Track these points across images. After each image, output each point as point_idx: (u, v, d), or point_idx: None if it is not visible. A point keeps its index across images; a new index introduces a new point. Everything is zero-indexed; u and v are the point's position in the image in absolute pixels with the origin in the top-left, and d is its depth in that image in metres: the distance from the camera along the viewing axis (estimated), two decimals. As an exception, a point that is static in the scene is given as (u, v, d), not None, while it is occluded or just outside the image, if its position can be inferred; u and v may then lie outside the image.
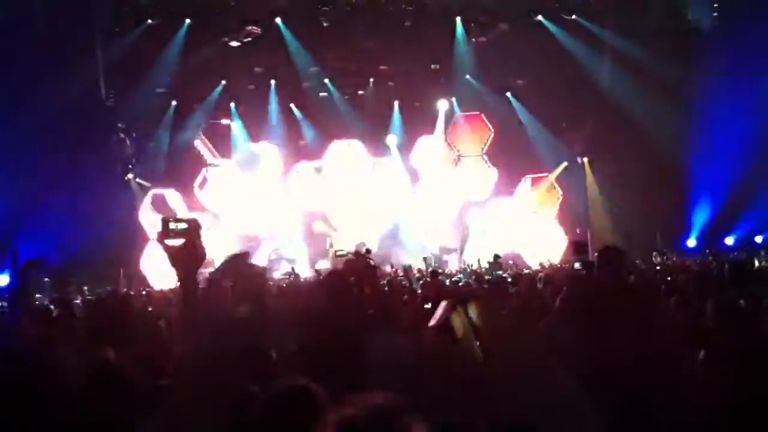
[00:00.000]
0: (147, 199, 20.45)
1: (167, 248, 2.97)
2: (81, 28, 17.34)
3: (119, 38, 18.84)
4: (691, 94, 18.01)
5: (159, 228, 2.96)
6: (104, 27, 18.36)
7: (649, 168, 18.99)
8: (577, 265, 5.40)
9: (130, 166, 20.49)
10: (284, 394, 2.51)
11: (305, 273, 18.85)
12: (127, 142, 20.20)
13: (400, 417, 1.87)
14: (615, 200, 20.36)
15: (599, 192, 21.48)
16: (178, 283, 3.11)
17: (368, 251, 12.56)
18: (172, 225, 3.01)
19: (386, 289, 8.10)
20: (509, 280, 10.24)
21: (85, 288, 15.32)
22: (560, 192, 22.06)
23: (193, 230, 3.00)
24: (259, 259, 20.66)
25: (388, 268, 17.38)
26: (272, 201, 21.71)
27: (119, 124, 19.84)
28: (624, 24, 19.46)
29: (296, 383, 2.54)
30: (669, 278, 9.15)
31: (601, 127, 20.50)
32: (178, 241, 3.00)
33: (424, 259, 19.93)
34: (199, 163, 21.40)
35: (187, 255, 2.96)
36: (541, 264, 16.49)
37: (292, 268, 19.00)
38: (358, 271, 5.14)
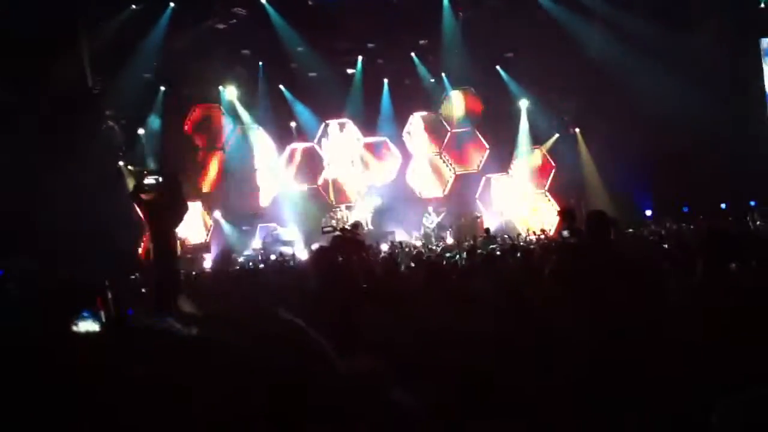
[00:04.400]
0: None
1: (140, 203, 2.95)
2: (64, 16, 17.14)
3: (103, 25, 18.65)
4: (683, 59, 17.94)
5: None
6: (87, 14, 18.14)
7: (641, 136, 18.94)
8: (565, 233, 5.37)
9: (120, 153, 20.38)
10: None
11: (302, 254, 18.93)
12: (117, 129, 20.07)
13: (382, 382, 1.88)
14: (608, 170, 20.33)
15: (592, 162, 21.47)
16: (151, 239, 3.09)
17: (355, 226, 12.49)
18: (146, 180, 3.00)
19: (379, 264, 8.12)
20: (497, 253, 10.25)
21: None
22: (553, 163, 22.06)
23: (169, 184, 2.98)
24: (254, 242, 20.73)
25: (384, 246, 17.41)
26: (266, 183, 21.73)
27: (107, 112, 19.70)
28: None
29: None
30: (664, 245, 9.16)
31: (592, 96, 20.44)
32: (152, 196, 2.98)
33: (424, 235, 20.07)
34: (191, 147, 21.37)
35: (163, 209, 2.94)
36: (533, 233, 16.52)
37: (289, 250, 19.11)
38: (345, 247, 5.13)
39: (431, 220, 20.74)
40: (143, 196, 2.93)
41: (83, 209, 16.84)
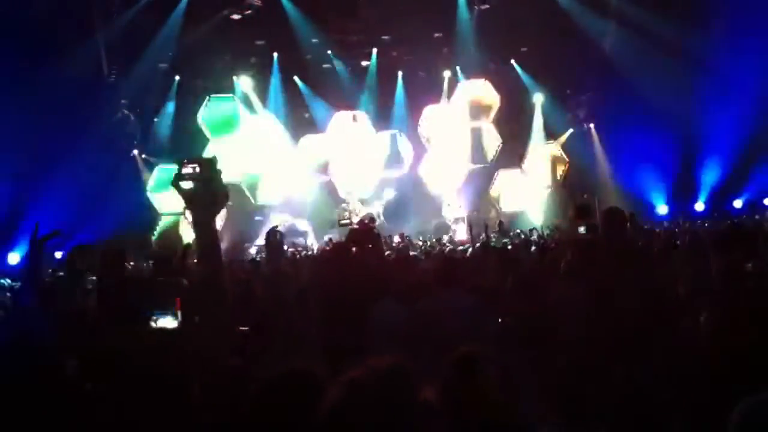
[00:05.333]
0: (154, 175, 20.50)
1: (181, 191, 2.96)
2: (81, 5, 17.23)
3: (120, 14, 18.72)
4: (697, 54, 17.81)
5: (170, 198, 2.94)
6: (104, 3, 18.21)
7: (655, 131, 18.85)
8: (581, 229, 5.35)
9: (135, 142, 20.48)
10: (283, 378, 2.48)
11: (314, 245, 18.96)
12: (131, 118, 20.16)
13: (408, 379, 1.89)
14: (621, 166, 20.26)
15: (606, 158, 21.39)
16: (192, 227, 3.09)
17: (372, 220, 12.54)
18: (185, 169, 3.00)
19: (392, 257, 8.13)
20: (509, 247, 10.23)
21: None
22: (567, 158, 21.97)
23: (208, 171, 2.97)
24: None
25: (396, 238, 17.41)
26: (279, 174, 21.75)
27: (123, 101, 19.79)
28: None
29: (296, 367, 2.51)
30: (676, 242, 9.12)
31: (606, 91, 20.35)
32: (190, 184, 2.98)
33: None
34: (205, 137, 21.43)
35: (202, 197, 2.94)
36: (546, 228, 16.46)
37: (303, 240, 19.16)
38: (361, 240, 5.15)
39: (451, 211, 20.74)
40: (182, 184, 2.96)
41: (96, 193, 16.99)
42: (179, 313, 3.69)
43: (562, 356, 4.60)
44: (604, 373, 4.43)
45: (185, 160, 3.09)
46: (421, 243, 16.60)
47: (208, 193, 3.05)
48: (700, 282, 5.43)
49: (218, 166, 3.11)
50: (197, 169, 3.07)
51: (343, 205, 21.11)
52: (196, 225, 3.08)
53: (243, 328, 4.08)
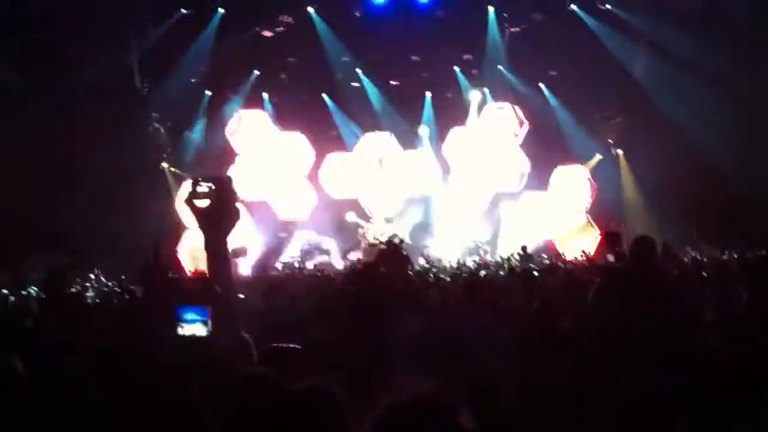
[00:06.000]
0: (183, 187, 20.67)
1: (194, 209, 2.97)
2: (116, 17, 17.52)
3: (153, 27, 19.00)
4: (732, 82, 17.67)
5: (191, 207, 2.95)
6: (139, 15, 18.49)
7: (685, 160, 18.68)
8: (610, 257, 5.32)
9: (164, 155, 20.71)
10: (302, 396, 2.48)
11: (337, 263, 18.98)
12: (162, 131, 20.40)
13: (450, 408, 1.88)
14: (650, 193, 20.08)
15: (634, 184, 21.23)
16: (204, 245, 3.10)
17: (401, 242, 12.54)
18: (199, 187, 3.01)
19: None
20: (535, 273, 10.16)
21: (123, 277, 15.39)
22: (594, 184, 21.80)
23: (221, 190, 2.98)
24: (291, 249, 20.82)
25: (421, 260, 17.37)
26: (304, 190, 21.84)
27: (154, 113, 20.04)
28: (660, 13, 19.06)
29: (315, 385, 2.50)
30: (704, 273, 9.01)
31: (636, 118, 20.23)
32: (205, 202, 3.00)
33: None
34: (233, 152, 21.62)
35: (215, 216, 2.95)
36: (575, 257, 16.31)
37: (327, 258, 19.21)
38: (390, 261, 5.15)
39: (480, 235, 20.70)
40: (196, 203, 2.98)
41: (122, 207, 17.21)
42: (210, 322, 3.72)
43: (569, 363, 4.56)
44: (611, 380, 4.38)
45: (199, 179, 3.10)
46: (447, 265, 16.54)
47: (221, 211, 3.07)
48: (727, 311, 5.37)
49: (233, 185, 3.12)
50: (211, 188, 3.08)
51: (369, 224, 21.11)
52: (209, 243, 3.10)
53: (291, 345, 4.06)
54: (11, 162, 15.80)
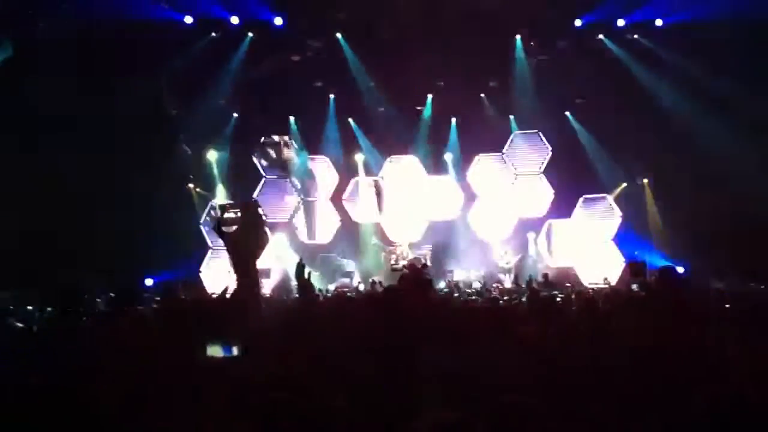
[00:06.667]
0: (208, 209, 20.93)
1: (223, 236, 3.05)
2: (145, 38, 17.83)
3: (183, 49, 19.28)
4: (758, 114, 17.54)
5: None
6: (168, 37, 18.78)
7: (712, 191, 18.53)
8: (634, 287, 5.30)
9: (191, 176, 20.94)
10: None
11: (360, 286, 19.02)
12: (189, 152, 20.65)
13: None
14: (675, 222, 19.91)
15: (659, 214, 21.07)
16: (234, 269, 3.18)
17: (424, 266, 12.54)
18: (228, 213, 3.08)
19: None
20: (558, 299, 10.12)
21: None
22: (620, 213, 21.68)
23: (249, 215, 3.05)
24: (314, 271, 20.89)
25: (442, 284, 17.37)
26: (329, 214, 21.98)
27: (182, 135, 20.31)
28: (688, 44, 18.98)
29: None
30: (727, 305, 8.89)
31: (662, 148, 20.12)
32: (233, 228, 3.07)
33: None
34: (259, 174, 21.86)
35: (243, 241, 3.03)
36: (596, 284, 16.23)
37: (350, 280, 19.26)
38: (414, 285, 5.17)
39: (507, 261, 20.65)
40: (225, 229, 3.03)
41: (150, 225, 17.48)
42: (240, 345, 3.77)
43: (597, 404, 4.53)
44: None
45: (227, 205, 3.17)
46: (469, 291, 16.52)
47: (250, 237, 3.14)
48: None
49: (260, 209, 3.19)
50: (240, 214, 3.14)
51: (390, 248, 21.17)
52: (237, 267, 3.16)
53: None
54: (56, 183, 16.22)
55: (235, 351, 3.81)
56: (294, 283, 19.13)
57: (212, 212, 19.96)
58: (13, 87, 16.07)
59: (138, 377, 3.72)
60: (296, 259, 20.11)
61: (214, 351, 3.86)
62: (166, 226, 18.14)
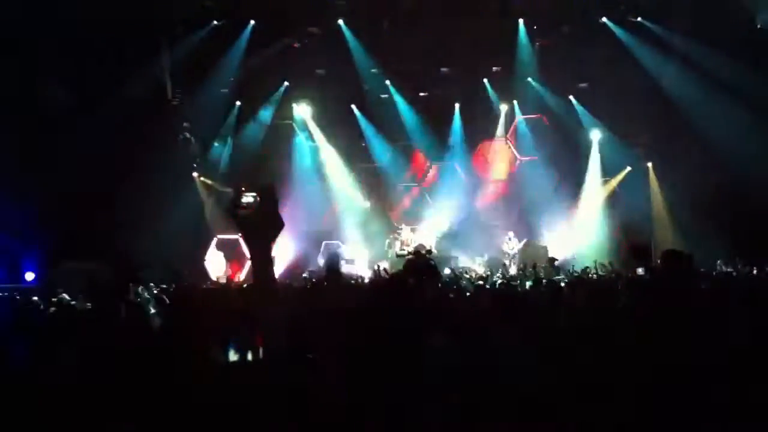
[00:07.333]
0: (212, 199, 20.91)
1: (238, 220, 3.02)
2: (148, 28, 17.77)
3: (185, 38, 19.22)
4: (762, 97, 17.44)
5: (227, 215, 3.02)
6: (171, 27, 18.72)
7: (715, 175, 18.48)
8: (639, 271, 5.29)
9: (194, 165, 20.91)
10: None
11: (364, 273, 19.01)
12: (193, 140, 20.60)
13: None
14: (680, 206, 19.86)
15: (663, 198, 21.03)
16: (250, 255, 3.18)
17: (429, 252, 12.51)
18: (244, 198, 3.05)
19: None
20: (562, 284, 10.08)
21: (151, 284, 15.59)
22: (623, 197, 21.64)
23: (265, 200, 3.01)
24: (318, 258, 20.91)
25: (447, 271, 17.34)
26: (332, 201, 21.96)
27: (185, 124, 20.25)
28: (693, 27, 18.84)
29: None
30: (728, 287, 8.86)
31: (666, 132, 20.06)
32: (247, 213, 3.04)
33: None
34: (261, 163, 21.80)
35: (258, 226, 3.01)
36: (602, 266, 16.16)
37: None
38: (418, 272, 5.15)
39: (512, 246, 20.64)
40: (240, 212, 3.01)
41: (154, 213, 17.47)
42: (255, 349, 3.76)
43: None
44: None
45: (243, 189, 3.13)
46: (473, 275, 16.48)
47: (266, 221, 3.11)
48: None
49: (277, 193, 3.16)
50: (256, 198, 3.11)
51: (395, 234, 21.16)
52: (255, 250, 3.15)
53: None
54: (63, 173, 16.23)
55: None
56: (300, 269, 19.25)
57: (225, 197, 19.83)
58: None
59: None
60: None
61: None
62: (167, 216, 18.08)
